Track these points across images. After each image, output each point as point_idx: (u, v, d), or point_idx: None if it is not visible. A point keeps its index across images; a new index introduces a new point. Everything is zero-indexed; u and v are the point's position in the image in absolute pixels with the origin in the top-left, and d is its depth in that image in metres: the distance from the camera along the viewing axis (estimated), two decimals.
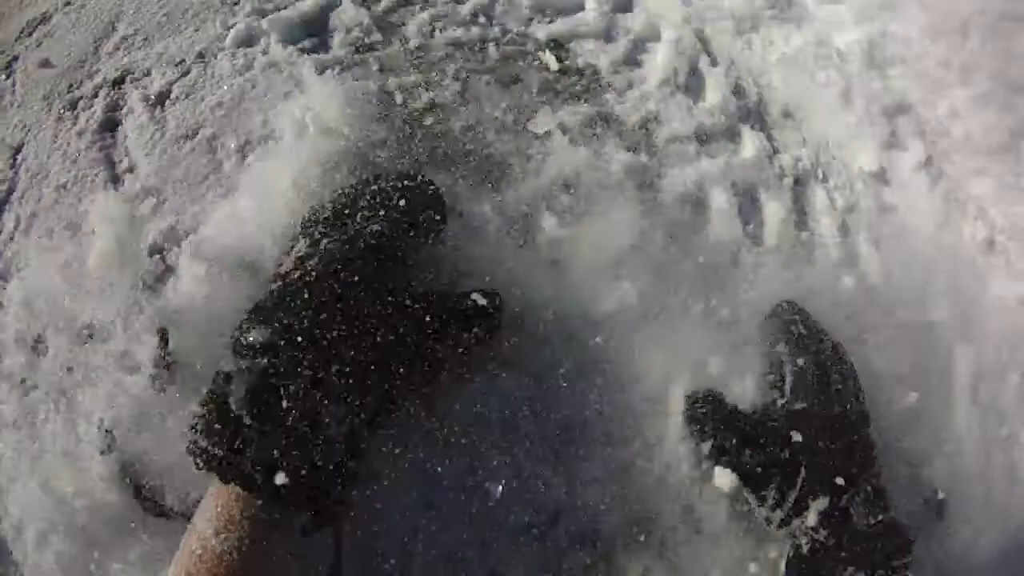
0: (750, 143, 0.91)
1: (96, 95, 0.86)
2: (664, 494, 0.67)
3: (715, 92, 0.93)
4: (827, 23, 1.04)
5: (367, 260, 0.53)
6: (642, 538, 0.65)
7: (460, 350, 0.58)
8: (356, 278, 0.52)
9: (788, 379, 0.67)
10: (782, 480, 0.62)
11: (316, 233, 0.58)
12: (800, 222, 0.89)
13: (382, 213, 0.58)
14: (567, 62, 0.90)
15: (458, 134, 0.79)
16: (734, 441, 0.64)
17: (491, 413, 0.66)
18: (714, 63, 0.96)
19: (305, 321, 0.49)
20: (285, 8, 0.92)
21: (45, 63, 0.90)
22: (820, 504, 0.61)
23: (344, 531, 0.51)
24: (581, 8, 0.97)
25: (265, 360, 0.48)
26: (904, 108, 1.02)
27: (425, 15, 0.91)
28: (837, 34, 1.03)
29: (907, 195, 0.99)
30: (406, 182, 0.62)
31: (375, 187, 0.61)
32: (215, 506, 0.46)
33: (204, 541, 0.45)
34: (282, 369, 0.47)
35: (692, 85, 0.93)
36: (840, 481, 0.61)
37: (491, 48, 0.89)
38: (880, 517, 0.60)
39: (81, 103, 0.85)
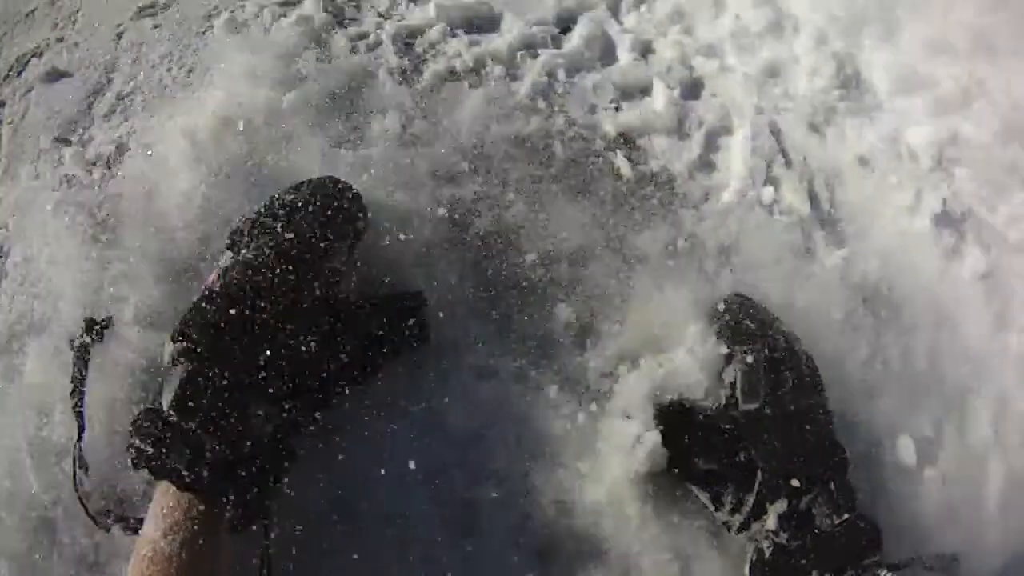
0: (825, 260, 0.84)
1: (91, 172, 0.72)
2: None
3: (791, 202, 0.85)
4: (900, 116, 0.96)
5: (282, 265, 0.55)
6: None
7: (388, 351, 0.59)
8: (269, 283, 0.54)
9: (737, 378, 0.63)
10: (738, 484, 0.60)
11: (240, 245, 0.59)
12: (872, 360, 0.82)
13: (298, 219, 0.59)
14: (640, 166, 0.79)
15: (527, 270, 0.68)
16: (684, 447, 0.61)
17: (427, 415, 0.64)
18: (788, 163, 0.88)
19: (224, 326, 0.51)
20: (310, 74, 0.76)
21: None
22: (779, 507, 0.58)
23: (272, 527, 0.53)
24: (647, 91, 0.86)
25: (190, 364, 0.50)
26: (967, 214, 0.97)
27: (478, 96, 0.77)
28: (909, 130, 0.96)
29: (962, 307, 0.95)
30: (324, 187, 0.63)
31: (292, 196, 0.61)
32: (160, 509, 0.48)
33: (153, 544, 0.47)
34: (206, 372, 0.50)
35: (768, 193, 0.84)
36: (796, 483, 0.58)
37: (556, 146, 0.77)
38: (845, 516, 0.58)
39: (75, 185, 0.71)
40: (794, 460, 0.59)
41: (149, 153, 0.72)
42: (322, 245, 0.58)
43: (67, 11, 0.85)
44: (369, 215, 0.64)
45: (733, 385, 0.63)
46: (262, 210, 0.61)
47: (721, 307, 0.68)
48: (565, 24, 0.90)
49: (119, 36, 0.81)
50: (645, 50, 0.89)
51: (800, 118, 0.91)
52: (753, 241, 0.81)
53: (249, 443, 0.50)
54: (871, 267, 0.89)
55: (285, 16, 0.82)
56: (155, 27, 0.80)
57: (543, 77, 0.81)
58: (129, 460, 0.50)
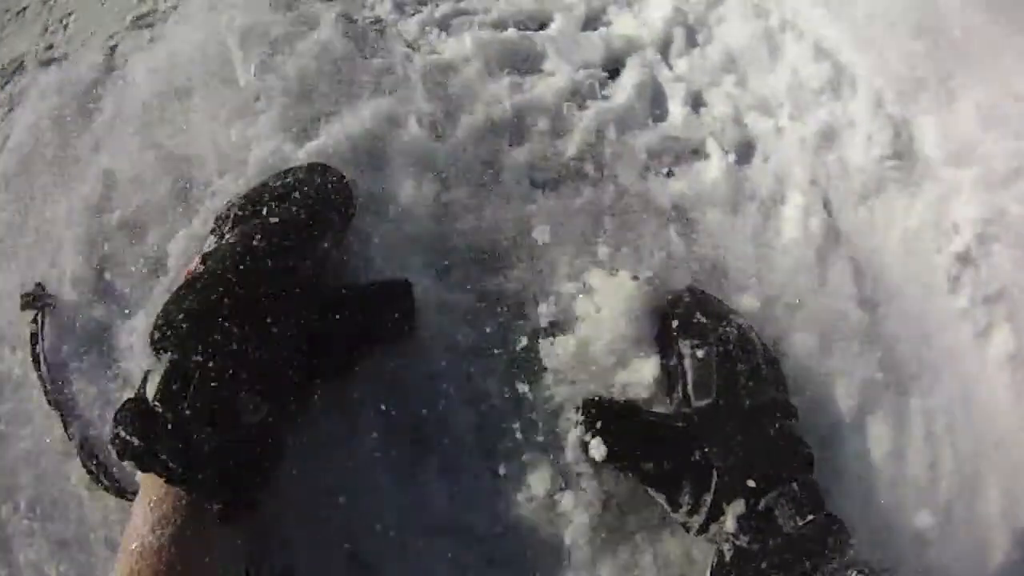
0: (863, 349, 0.80)
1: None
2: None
3: (840, 285, 0.80)
4: (948, 189, 0.92)
5: (267, 252, 0.53)
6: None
7: (373, 341, 0.59)
8: (256, 269, 0.52)
9: (689, 375, 0.60)
10: (694, 484, 0.56)
11: (224, 229, 0.57)
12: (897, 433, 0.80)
13: (285, 206, 0.57)
14: (694, 247, 0.73)
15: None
16: (633, 447, 0.58)
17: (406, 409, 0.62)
18: (839, 242, 0.82)
19: (208, 313, 0.49)
20: (327, 118, 0.65)
21: None
22: (737, 508, 0.55)
23: (260, 521, 0.52)
24: (701, 152, 0.78)
25: (175, 353, 0.48)
26: (1002, 293, 0.94)
27: (521, 155, 0.68)
28: (956, 203, 0.91)
29: (987, 387, 0.93)
30: (312, 173, 0.60)
31: (279, 183, 0.59)
32: (148, 502, 0.47)
33: (141, 537, 0.45)
34: (190, 361, 0.48)
35: (819, 274, 0.79)
36: (752, 483, 0.55)
37: (606, 220, 0.68)
38: (810, 517, 0.54)
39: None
40: (751, 458, 0.56)
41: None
42: (309, 231, 0.56)
43: (59, 13, 0.72)
44: (357, 202, 0.62)
45: (685, 381, 0.60)
46: (248, 195, 0.59)
47: (672, 301, 0.64)
48: (613, 66, 0.81)
49: (112, 49, 0.69)
50: (697, 102, 0.81)
51: (852, 190, 0.86)
52: (800, 330, 0.76)
53: (237, 434, 0.48)
54: (904, 350, 0.85)
55: (298, 40, 0.71)
56: (151, 40, 0.67)
57: (592, 136, 0.72)
58: (114, 451, 0.48)
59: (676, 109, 0.80)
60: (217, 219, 0.60)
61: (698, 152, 0.78)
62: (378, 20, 0.76)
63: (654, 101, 0.80)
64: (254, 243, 0.53)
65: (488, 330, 0.63)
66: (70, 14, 0.71)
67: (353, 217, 0.62)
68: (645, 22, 0.85)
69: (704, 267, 0.72)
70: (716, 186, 0.75)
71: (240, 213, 0.57)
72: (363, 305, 0.57)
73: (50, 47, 0.69)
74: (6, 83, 0.69)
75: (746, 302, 0.73)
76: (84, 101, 0.68)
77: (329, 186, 0.59)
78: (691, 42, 0.85)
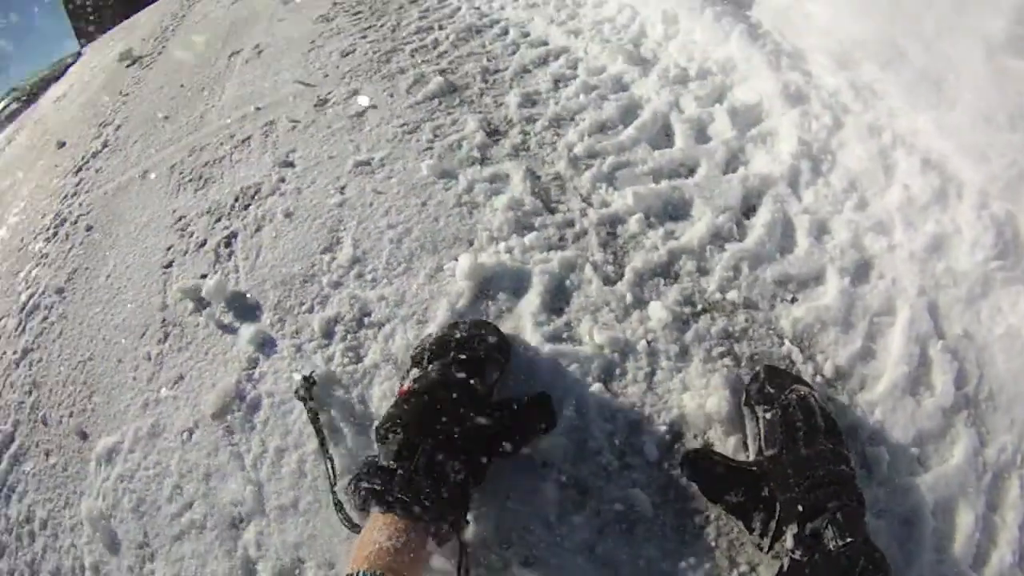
0: (962, 446, 0.92)
1: (329, 337, 0.91)
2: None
3: (940, 386, 0.94)
4: None
5: (457, 378, 0.82)
6: None
7: (526, 434, 0.84)
8: (452, 386, 0.81)
9: (761, 431, 0.82)
10: (764, 513, 0.78)
11: (424, 363, 0.87)
12: (987, 525, 0.91)
13: (465, 348, 0.87)
14: (806, 363, 0.91)
15: None
16: (720, 485, 0.79)
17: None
18: (943, 345, 0.96)
19: (423, 414, 0.78)
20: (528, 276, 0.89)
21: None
22: (793, 529, 0.74)
23: (465, 543, 0.77)
24: (821, 279, 0.95)
25: (402, 435, 0.76)
26: None
27: (673, 295, 0.89)
28: None
29: None
30: (480, 328, 0.90)
31: (458, 335, 0.89)
32: (382, 524, 0.72)
33: (378, 544, 0.70)
34: (415, 439, 0.75)
35: (920, 379, 0.94)
36: (800, 508, 0.72)
37: (736, 347, 0.89)
38: (849, 540, 0.69)
39: (318, 354, 0.92)
40: (805, 491, 0.73)
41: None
42: (483, 365, 0.85)
43: (284, 149, 0.97)
44: (512, 348, 0.92)
45: (759, 436, 0.82)
46: (437, 339, 0.89)
47: (753, 377, 0.86)
48: (750, 204, 0.98)
49: (342, 190, 0.95)
50: (821, 231, 0.97)
51: (959, 295, 0.98)
52: (898, 430, 0.91)
53: (448, 487, 0.74)
54: (1005, 442, 0.95)
55: (496, 195, 0.95)
56: (374, 189, 0.92)
57: (729, 272, 0.92)
58: (357, 502, 0.75)
59: (802, 240, 0.97)
60: (413, 357, 0.90)
61: (820, 279, 0.95)
62: (558, 176, 0.98)
63: (783, 234, 0.97)
64: (450, 371, 0.83)
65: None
66: (293, 150, 0.94)
67: (510, 358, 0.92)
68: (776, 157, 1.01)
69: (816, 380, 0.91)
70: (830, 309, 0.93)
71: (434, 353, 0.87)
72: (518, 411, 0.83)
73: (283, 180, 0.94)
74: (248, 204, 0.94)
75: (843, 410, 0.90)
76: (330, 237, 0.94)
77: (494, 336, 0.90)
78: (816, 171, 1.01)
